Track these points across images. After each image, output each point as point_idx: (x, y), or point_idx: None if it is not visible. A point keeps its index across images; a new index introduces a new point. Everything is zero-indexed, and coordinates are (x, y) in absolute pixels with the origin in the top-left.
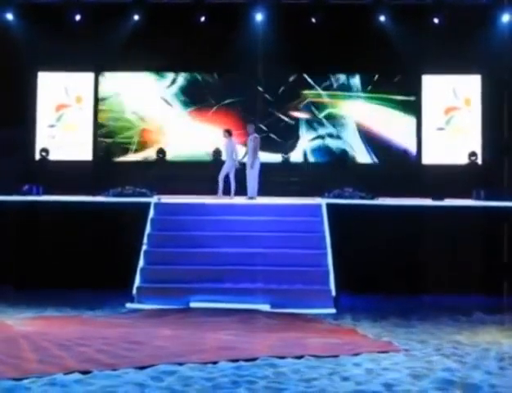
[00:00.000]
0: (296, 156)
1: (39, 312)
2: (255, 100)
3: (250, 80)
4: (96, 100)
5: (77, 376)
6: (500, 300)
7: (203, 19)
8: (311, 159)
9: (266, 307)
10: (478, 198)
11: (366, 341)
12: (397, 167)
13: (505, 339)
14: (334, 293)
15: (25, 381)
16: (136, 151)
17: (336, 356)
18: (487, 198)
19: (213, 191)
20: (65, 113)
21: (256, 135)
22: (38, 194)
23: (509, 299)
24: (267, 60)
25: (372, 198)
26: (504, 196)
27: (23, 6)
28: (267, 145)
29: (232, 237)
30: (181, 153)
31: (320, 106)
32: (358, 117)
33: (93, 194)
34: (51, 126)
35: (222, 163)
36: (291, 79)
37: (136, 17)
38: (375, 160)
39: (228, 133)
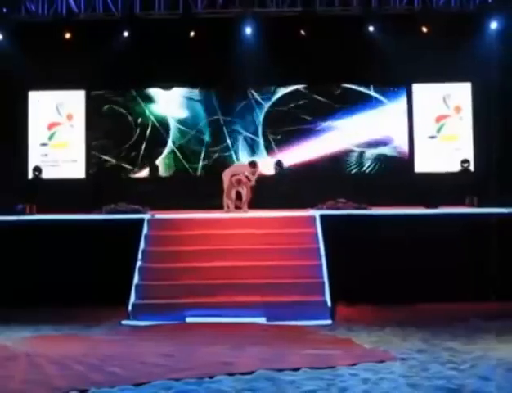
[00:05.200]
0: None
1: (35, 331)
2: None
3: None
4: (88, 117)
5: None
6: (494, 306)
7: (192, 34)
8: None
9: (262, 320)
10: (471, 205)
11: (362, 351)
12: (389, 176)
13: (501, 345)
14: (329, 304)
15: None
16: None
17: (333, 367)
18: (480, 205)
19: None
20: (57, 131)
21: None
22: (31, 213)
23: (504, 305)
24: (256, 73)
25: (365, 208)
26: (497, 202)
27: (12, 25)
28: None
29: (227, 251)
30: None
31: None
32: (350, 126)
33: (86, 212)
34: (44, 145)
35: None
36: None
37: (125, 34)
38: (368, 169)
39: None
